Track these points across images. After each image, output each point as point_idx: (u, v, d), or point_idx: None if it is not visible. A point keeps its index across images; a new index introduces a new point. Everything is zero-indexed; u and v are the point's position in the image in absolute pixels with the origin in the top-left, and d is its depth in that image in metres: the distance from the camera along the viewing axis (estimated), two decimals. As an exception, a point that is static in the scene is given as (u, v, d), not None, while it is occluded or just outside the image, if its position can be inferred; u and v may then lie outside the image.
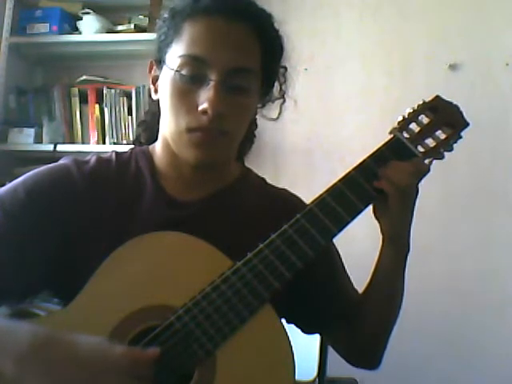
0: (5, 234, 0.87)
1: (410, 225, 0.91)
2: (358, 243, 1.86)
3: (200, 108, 0.85)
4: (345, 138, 2.35)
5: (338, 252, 1.05)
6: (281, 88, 1.00)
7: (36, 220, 0.88)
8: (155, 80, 0.95)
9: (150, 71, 0.97)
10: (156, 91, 0.95)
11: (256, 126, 1.09)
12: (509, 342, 2.18)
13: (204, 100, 0.85)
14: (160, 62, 0.92)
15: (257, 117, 1.05)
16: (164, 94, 0.90)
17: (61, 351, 0.72)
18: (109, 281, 0.83)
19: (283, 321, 0.95)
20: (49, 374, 0.71)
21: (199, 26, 0.87)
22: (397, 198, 0.86)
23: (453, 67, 2.30)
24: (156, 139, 0.99)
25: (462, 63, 2.30)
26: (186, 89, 0.87)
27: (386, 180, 0.86)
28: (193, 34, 0.87)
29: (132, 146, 1.04)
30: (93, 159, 0.97)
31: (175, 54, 0.88)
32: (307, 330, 1.07)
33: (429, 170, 0.89)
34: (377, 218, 0.91)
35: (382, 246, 0.94)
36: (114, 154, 0.99)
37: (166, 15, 0.93)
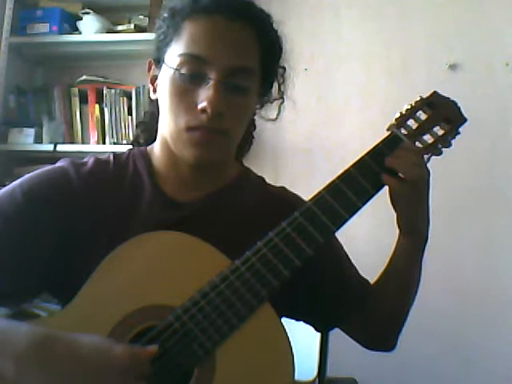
0: (3, 236, 0.87)
1: (425, 215, 0.92)
2: (358, 243, 1.85)
3: (199, 106, 0.85)
4: (345, 138, 2.35)
5: (341, 245, 1.04)
6: (279, 88, 1.00)
7: (34, 222, 0.88)
8: (154, 79, 0.95)
9: (149, 71, 0.96)
10: (155, 91, 0.95)
11: (255, 127, 1.08)
12: (509, 342, 2.17)
13: (203, 99, 0.85)
14: (159, 61, 0.92)
15: (255, 118, 1.05)
16: (163, 93, 0.90)
17: (60, 350, 0.72)
18: (107, 281, 0.82)
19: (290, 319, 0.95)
20: (49, 373, 0.71)
21: (199, 25, 0.87)
22: (409, 188, 0.86)
23: (453, 67, 2.30)
24: (154, 140, 0.99)
25: (462, 63, 2.30)
26: (186, 88, 0.87)
27: (400, 169, 0.86)
28: (193, 33, 0.87)
29: (130, 146, 1.04)
30: (90, 161, 0.96)
31: (175, 52, 0.88)
32: (322, 326, 1.07)
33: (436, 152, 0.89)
34: (393, 208, 0.91)
35: (399, 236, 0.95)
36: (111, 156, 0.99)
37: (165, 14, 0.92)
